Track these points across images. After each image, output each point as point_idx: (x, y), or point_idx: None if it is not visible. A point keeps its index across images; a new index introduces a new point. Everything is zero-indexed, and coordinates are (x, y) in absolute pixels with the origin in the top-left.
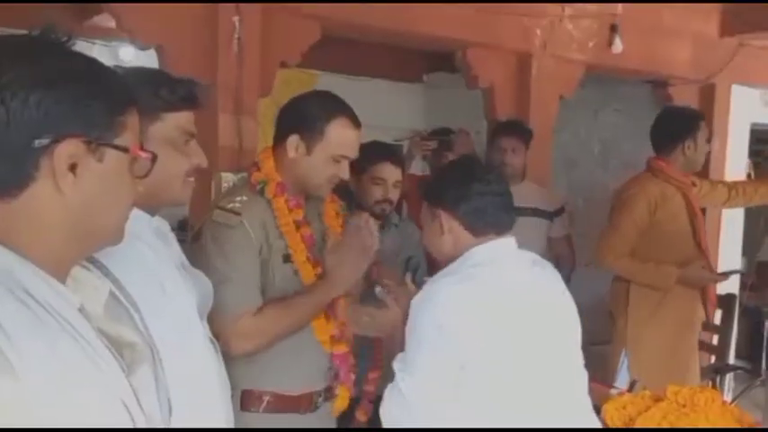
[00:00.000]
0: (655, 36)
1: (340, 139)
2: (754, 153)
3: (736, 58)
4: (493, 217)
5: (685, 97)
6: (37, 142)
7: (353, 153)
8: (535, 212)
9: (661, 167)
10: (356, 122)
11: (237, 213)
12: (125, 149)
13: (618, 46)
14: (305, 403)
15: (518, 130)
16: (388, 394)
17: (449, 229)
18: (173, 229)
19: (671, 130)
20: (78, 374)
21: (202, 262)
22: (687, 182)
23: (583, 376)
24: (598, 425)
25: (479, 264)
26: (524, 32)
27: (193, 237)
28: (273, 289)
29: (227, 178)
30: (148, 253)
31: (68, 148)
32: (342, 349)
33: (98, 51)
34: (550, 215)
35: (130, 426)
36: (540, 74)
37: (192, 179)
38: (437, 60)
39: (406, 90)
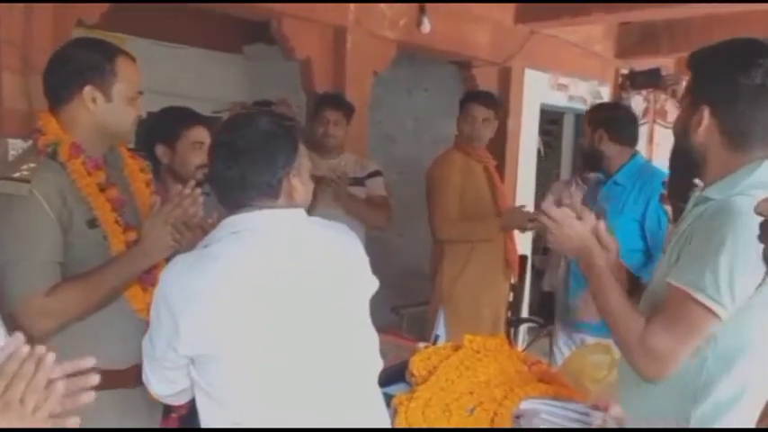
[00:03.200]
0: (460, 20)
1: (131, 75)
2: (544, 132)
3: (528, 44)
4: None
5: (486, 79)
6: None
7: (141, 86)
8: (354, 182)
9: (463, 144)
10: (130, 54)
11: (26, 181)
12: None
13: (426, 26)
14: (132, 377)
15: (340, 102)
16: None
17: None
18: None
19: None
20: None
21: None
22: (486, 156)
23: (366, 351)
24: (385, 414)
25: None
26: (339, 7)
27: None
28: (80, 257)
29: (16, 145)
30: None
31: None
32: None
33: None
34: (363, 180)
35: None
36: (355, 49)
37: None
38: (256, 32)
39: (225, 61)
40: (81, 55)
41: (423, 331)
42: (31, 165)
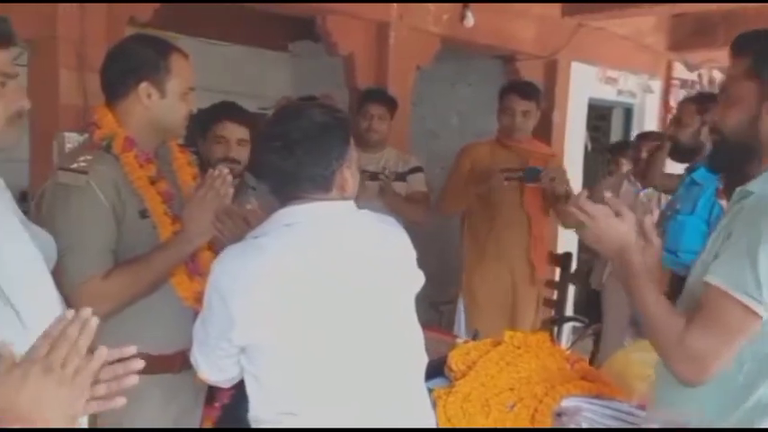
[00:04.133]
0: (504, 14)
1: (183, 72)
2: (592, 128)
3: (575, 36)
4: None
5: (531, 73)
6: None
7: (193, 82)
8: (396, 176)
9: (502, 136)
10: (183, 51)
11: (84, 173)
12: None
13: (470, 20)
14: (178, 362)
15: (384, 97)
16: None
17: None
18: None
19: None
20: None
21: (48, 226)
22: (529, 150)
23: (413, 345)
24: (429, 408)
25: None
26: (382, 2)
27: (36, 202)
28: (132, 246)
29: (72, 139)
30: None
31: None
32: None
33: None
34: (404, 175)
35: None
36: (398, 44)
37: (20, 122)
38: (302, 29)
39: (271, 58)
40: (137, 52)
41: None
42: (88, 157)
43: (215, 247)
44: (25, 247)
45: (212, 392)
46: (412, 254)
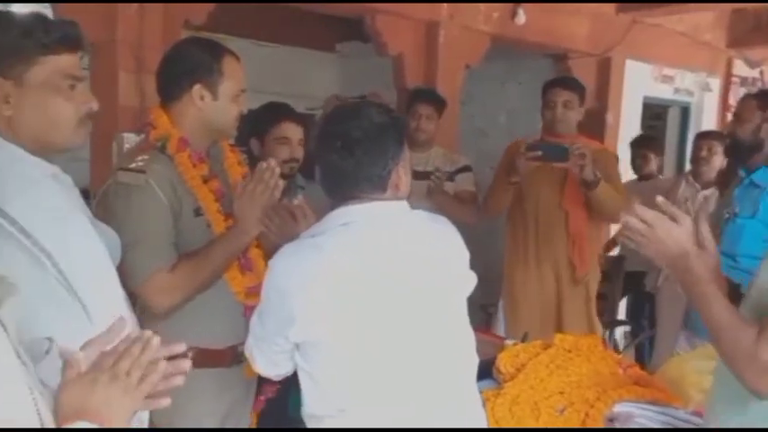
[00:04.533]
0: (556, 11)
1: (235, 74)
2: (647, 127)
3: (630, 34)
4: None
5: (583, 71)
6: None
7: (245, 84)
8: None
9: (545, 131)
10: (235, 54)
11: (142, 172)
12: None
13: (521, 18)
14: (230, 357)
15: (432, 97)
16: (248, 339)
17: None
18: None
19: None
20: None
21: (110, 224)
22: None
23: (465, 346)
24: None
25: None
26: (432, 2)
27: (98, 201)
28: (187, 243)
29: (130, 139)
30: (51, 198)
31: None
32: (256, 302)
33: None
34: (452, 175)
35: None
36: (447, 43)
37: (89, 123)
38: (350, 29)
39: (319, 59)
40: (191, 55)
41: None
42: (144, 156)
43: (263, 245)
44: (93, 244)
45: (259, 385)
46: (465, 254)
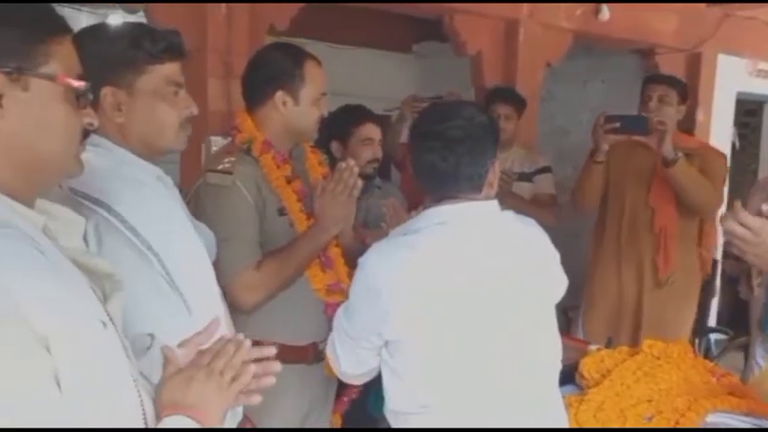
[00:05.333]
0: (642, 6)
1: (316, 78)
2: (740, 124)
3: (722, 27)
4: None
5: (672, 67)
6: None
7: (326, 87)
8: (521, 177)
9: None
10: (317, 58)
11: (229, 173)
12: (50, 77)
13: (605, 14)
14: (311, 353)
15: (511, 96)
16: (330, 339)
17: None
18: None
19: None
20: (44, 274)
21: (201, 221)
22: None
23: (552, 350)
24: (563, 414)
25: (426, 226)
26: (513, 2)
27: (188, 200)
28: (271, 242)
29: (218, 142)
30: (156, 198)
31: None
32: (336, 299)
33: (86, 18)
34: (531, 176)
35: (102, 334)
36: (528, 41)
37: (189, 127)
38: (426, 30)
39: (397, 60)
40: (274, 62)
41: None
42: (231, 158)
43: (341, 243)
44: (194, 242)
45: (341, 386)
46: (556, 257)
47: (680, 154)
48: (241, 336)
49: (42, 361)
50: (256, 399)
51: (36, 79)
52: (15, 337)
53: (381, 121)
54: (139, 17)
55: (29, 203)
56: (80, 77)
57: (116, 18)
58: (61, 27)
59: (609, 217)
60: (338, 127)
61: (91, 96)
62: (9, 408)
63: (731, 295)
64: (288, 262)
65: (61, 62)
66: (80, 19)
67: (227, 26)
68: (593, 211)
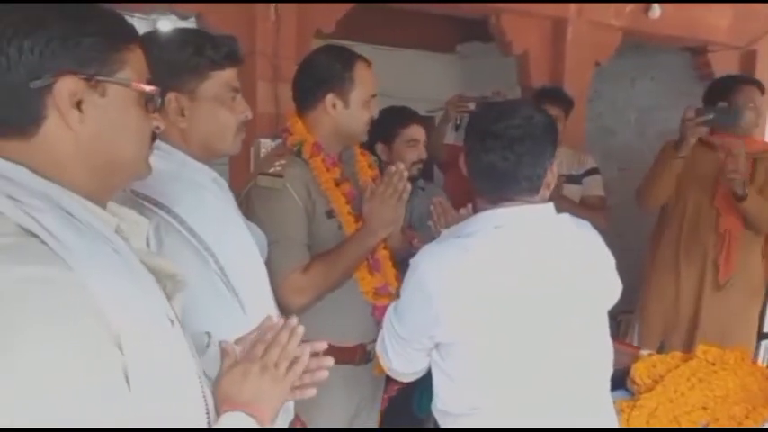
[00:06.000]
0: (694, 2)
1: (366, 81)
2: None
3: None
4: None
5: (725, 64)
6: (33, 83)
7: (376, 89)
8: (569, 179)
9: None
10: (367, 60)
11: (280, 176)
12: (125, 83)
13: (655, 11)
14: (359, 354)
15: (559, 96)
16: (380, 336)
17: None
18: None
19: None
20: (119, 272)
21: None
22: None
23: (604, 354)
24: (614, 419)
25: (480, 230)
26: (561, 2)
27: (240, 203)
28: (320, 244)
29: (266, 145)
30: (213, 200)
31: (67, 86)
32: (384, 302)
33: (137, 24)
34: (579, 178)
35: (170, 332)
36: (576, 40)
37: (243, 131)
38: (471, 30)
39: (440, 61)
40: (324, 65)
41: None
42: (282, 161)
43: (389, 246)
44: (248, 243)
45: (386, 385)
46: (612, 262)
47: (748, 190)
48: (294, 320)
49: (114, 358)
50: (311, 392)
51: (113, 85)
52: (91, 333)
53: (425, 122)
54: (190, 23)
55: (102, 205)
56: (149, 83)
57: (166, 23)
58: (133, 34)
59: (670, 218)
60: (383, 128)
61: (159, 101)
62: (79, 406)
63: None
64: (336, 265)
65: (134, 68)
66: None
67: (275, 30)
68: (654, 210)
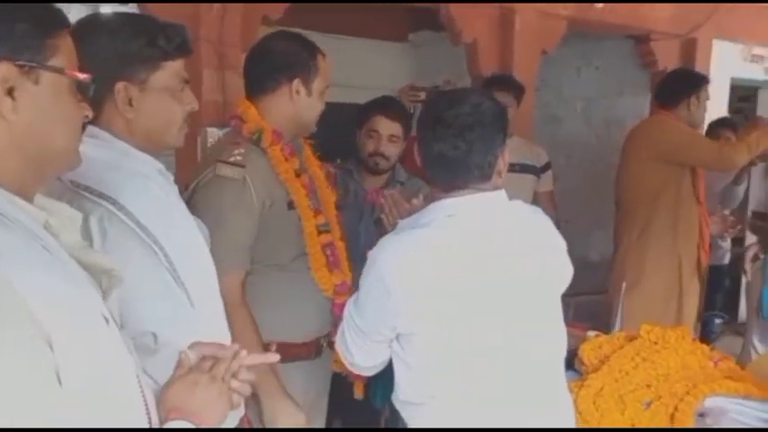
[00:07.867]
0: None
1: (327, 70)
2: (735, 111)
3: (717, 12)
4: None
5: (667, 52)
6: None
7: (330, 80)
8: (523, 168)
9: (666, 116)
10: (323, 51)
11: (241, 166)
12: (59, 70)
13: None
14: (312, 349)
15: (510, 84)
16: (340, 331)
17: None
18: None
19: (678, 86)
20: (50, 270)
21: (203, 213)
22: None
23: (558, 340)
24: (570, 405)
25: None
26: None
27: (191, 192)
28: (280, 235)
29: (213, 133)
30: (159, 192)
31: (1, 72)
32: (343, 299)
33: (77, 10)
34: (537, 171)
35: (105, 330)
36: (523, 29)
37: (186, 125)
38: (422, 19)
39: (391, 49)
40: (289, 51)
41: (590, 320)
42: (241, 150)
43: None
44: (195, 236)
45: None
46: (563, 245)
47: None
48: (236, 346)
49: (44, 357)
50: (246, 390)
51: (46, 72)
52: (18, 332)
53: (404, 116)
54: (131, 8)
55: (29, 199)
56: (80, 70)
57: (107, 9)
58: (64, 22)
59: (659, 207)
60: (359, 118)
61: (92, 89)
62: (10, 406)
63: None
64: (245, 331)
65: (65, 55)
66: (70, 10)
67: (220, 16)
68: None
